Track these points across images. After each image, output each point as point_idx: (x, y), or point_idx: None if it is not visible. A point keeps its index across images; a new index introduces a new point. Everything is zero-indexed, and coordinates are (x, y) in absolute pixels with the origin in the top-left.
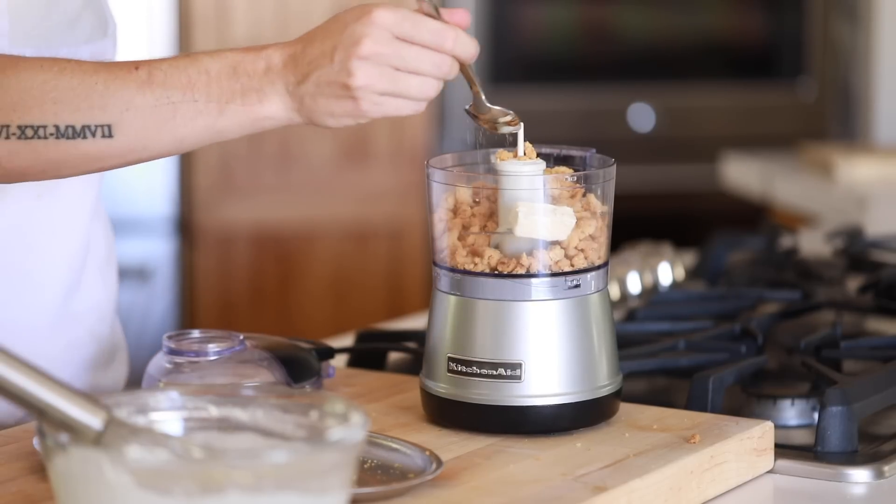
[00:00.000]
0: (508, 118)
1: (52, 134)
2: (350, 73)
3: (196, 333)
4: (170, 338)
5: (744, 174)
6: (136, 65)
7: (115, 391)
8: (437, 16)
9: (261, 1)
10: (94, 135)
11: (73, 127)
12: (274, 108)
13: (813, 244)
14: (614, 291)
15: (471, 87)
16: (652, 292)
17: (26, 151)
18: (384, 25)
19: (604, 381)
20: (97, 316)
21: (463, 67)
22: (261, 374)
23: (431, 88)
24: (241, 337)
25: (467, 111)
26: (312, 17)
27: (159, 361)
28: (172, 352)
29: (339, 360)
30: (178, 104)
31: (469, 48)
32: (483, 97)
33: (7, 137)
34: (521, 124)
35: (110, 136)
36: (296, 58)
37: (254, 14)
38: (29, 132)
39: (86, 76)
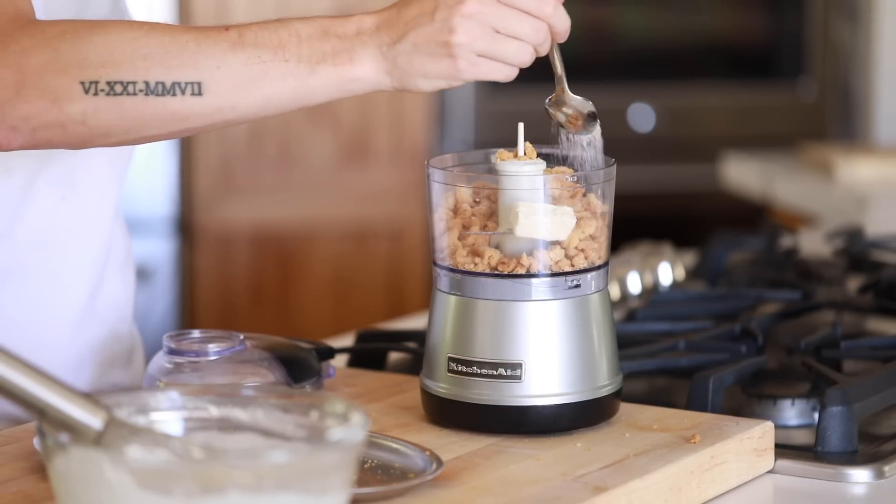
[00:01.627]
0: (590, 109)
1: (141, 90)
2: (452, 30)
3: (196, 333)
4: (170, 338)
5: (744, 174)
6: (225, 27)
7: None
8: None
9: (261, 0)
10: (183, 92)
11: (162, 83)
12: (364, 70)
13: (813, 244)
14: (614, 291)
15: (553, 70)
16: (652, 292)
17: (113, 108)
18: None
19: (604, 381)
20: (118, 315)
21: (550, 47)
22: (261, 374)
23: (527, 54)
24: (241, 337)
25: (548, 105)
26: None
27: (159, 361)
28: (172, 352)
29: (340, 360)
30: (268, 63)
31: (566, 21)
32: (566, 82)
33: (95, 94)
34: (521, 124)
35: (199, 94)
36: (390, 20)
37: (254, 13)
38: (118, 88)
39: (176, 34)
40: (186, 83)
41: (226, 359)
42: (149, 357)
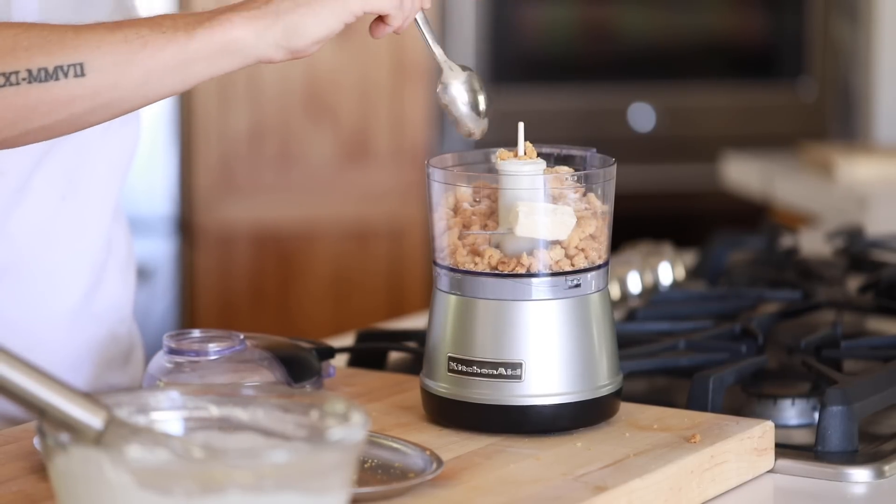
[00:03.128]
0: (470, 81)
1: (24, 79)
2: None
3: (196, 333)
4: (170, 337)
5: (744, 174)
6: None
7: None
8: None
9: None
10: (66, 75)
11: (45, 69)
12: (244, 31)
13: (813, 244)
14: (614, 291)
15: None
16: (652, 292)
17: None
18: None
19: (604, 381)
20: (117, 316)
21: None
22: (261, 373)
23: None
24: (242, 337)
25: (438, 92)
26: None
27: (159, 361)
28: (173, 351)
29: (340, 360)
30: (147, 37)
31: None
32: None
33: None
34: (522, 124)
35: (82, 74)
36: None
37: None
38: (0, 80)
39: (56, 27)
40: (69, 65)
41: (226, 358)
42: (148, 357)
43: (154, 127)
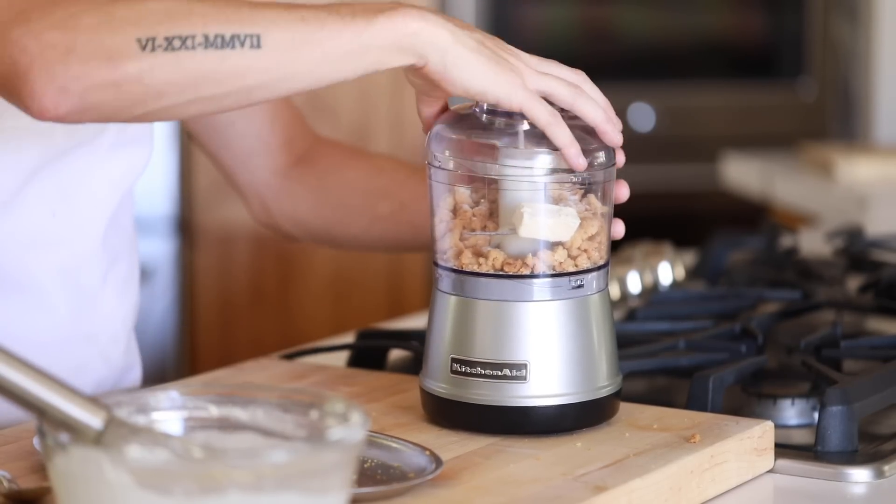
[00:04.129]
0: None
1: (200, 44)
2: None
3: None
4: None
5: (744, 174)
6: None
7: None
8: None
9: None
10: (242, 45)
11: (222, 36)
12: (424, 23)
13: (813, 244)
14: (614, 291)
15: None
16: (652, 292)
17: (170, 64)
18: None
19: (604, 382)
20: (110, 337)
21: None
22: None
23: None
24: None
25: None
26: None
27: None
28: None
29: (339, 359)
30: (325, 20)
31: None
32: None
33: (153, 49)
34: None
35: (258, 46)
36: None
37: None
38: (176, 43)
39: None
40: (246, 35)
41: None
42: (146, 377)
43: (154, 127)
